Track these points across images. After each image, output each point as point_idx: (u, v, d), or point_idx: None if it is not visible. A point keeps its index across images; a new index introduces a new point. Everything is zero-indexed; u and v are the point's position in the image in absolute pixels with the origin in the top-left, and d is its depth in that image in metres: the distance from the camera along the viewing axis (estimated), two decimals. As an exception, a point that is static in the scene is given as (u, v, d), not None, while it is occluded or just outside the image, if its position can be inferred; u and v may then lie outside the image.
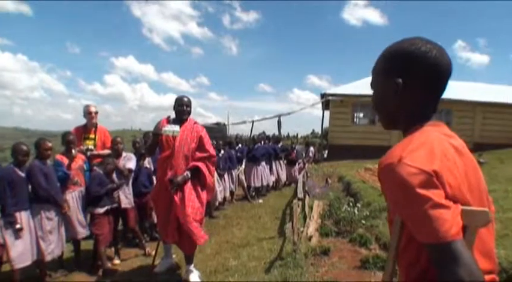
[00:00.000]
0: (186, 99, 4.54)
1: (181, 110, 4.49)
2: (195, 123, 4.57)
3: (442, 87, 1.23)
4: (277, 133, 16.62)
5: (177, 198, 4.31)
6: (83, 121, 6.09)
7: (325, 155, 19.56)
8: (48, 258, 4.53)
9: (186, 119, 4.52)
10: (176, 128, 4.42)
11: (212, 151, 4.61)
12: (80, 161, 5.15)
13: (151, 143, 4.66)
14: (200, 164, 4.44)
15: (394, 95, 1.22)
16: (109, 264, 5.13)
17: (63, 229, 4.79)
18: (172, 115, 4.60)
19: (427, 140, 1.12)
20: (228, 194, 9.69)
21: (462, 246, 0.96)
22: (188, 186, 4.37)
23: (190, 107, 4.57)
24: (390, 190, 1.09)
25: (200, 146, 4.47)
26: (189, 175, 4.38)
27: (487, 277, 1.05)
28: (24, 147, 4.40)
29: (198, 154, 4.46)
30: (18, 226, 4.17)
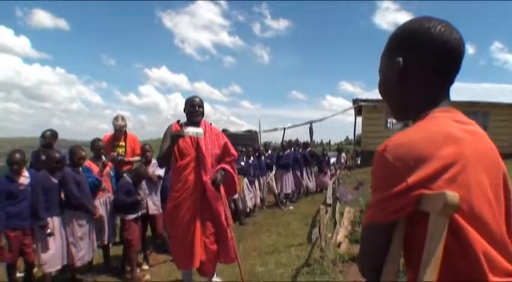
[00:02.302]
0: (197, 99, 4.12)
1: (194, 111, 4.05)
2: (211, 124, 4.26)
3: (452, 68, 1.09)
4: (309, 140, 16.53)
5: (220, 205, 3.99)
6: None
7: (359, 162, 19.25)
8: (78, 263, 4.63)
9: (200, 121, 4.11)
10: (199, 129, 3.92)
11: (236, 153, 4.38)
12: (107, 167, 5.26)
13: (169, 149, 3.89)
14: (229, 167, 4.18)
15: (398, 77, 1.11)
16: (138, 270, 5.19)
17: (94, 236, 4.89)
18: (183, 119, 4.18)
19: (426, 124, 1.02)
20: (258, 201, 9.68)
21: (371, 232, 0.99)
22: (222, 191, 4.05)
23: (203, 108, 4.15)
24: (372, 175, 1.03)
25: (225, 151, 4.20)
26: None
27: (504, 279, 0.92)
28: (57, 155, 4.54)
29: (225, 157, 4.19)
30: (48, 231, 4.28)
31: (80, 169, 4.77)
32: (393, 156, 0.93)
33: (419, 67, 1.08)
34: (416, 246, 0.94)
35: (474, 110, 16.37)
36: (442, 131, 0.97)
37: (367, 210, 0.99)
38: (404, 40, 1.12)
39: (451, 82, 1.12)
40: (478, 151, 0.99)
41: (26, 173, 4.34)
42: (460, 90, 17.95)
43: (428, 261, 0.86)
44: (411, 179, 0.90)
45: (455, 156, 0.93)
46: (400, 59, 1.10)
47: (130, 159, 6.03)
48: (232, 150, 4.28)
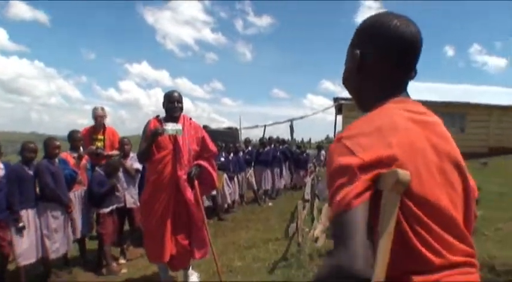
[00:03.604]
0: (176, 94, 4.06)
1: (173, 107, 4.00)
2: (190, 119, 4.21)
3: (408, 60, 1.14)
4: (290, 138, 16.59)
5: (190, 196, 3.95)
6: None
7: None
8: (52, 256, 4.56)
9: (179, 116, 4.06)
10: (178, 126, 3.87)
11: (214, 149, 4.35)
12: (83, 160, 5.20)
13: (148, 146, 3.87)
14: (207, 164, 4.18)
15: (356, 69, 1.16)
16: (114, 264, 5.15)
17: (69, 228, 4.83)
18: (163, 114, 4.12)
19: (373, 114, 1.05)
20: (237, 197, 9.69)
21: (354, 219, 0.87)
22: (196, 186, 4.05)
23: (182, 103, 4.08)
24: (327, 167, 1.04)
25: (204, 146, 4.20)
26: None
27: (463, 258, 0.98)
28: (32, 145, 4.47)
29: (204, 153, 4.20)
30: (21, 224, 4.21)
31: (56, 161, 4.70)
32: (350, 143, 0.96)
33: (376, 59, 1.13)
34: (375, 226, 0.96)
35: (451, 110, 16.70)
36: (388, 121, 1.00)
37: (335, 199, 0.92)
38: (363, 34, 1.18)
39: (408, 74, 1.16)
40: (428, 140, 1.03)
41: (1, 165, 4.26)
42: (440, 91, 18.30)
43: (381, 235, 0.89)
44: (367, 157, 0.93)
45: (401, 145, 0.96)
46: (358, 52, 1.15)
47: (109, 152, 5.98)
48: (211, 146, 4.26)
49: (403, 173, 0.88)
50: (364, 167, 0.92)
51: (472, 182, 1.13)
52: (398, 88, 1.15)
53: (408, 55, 1.13)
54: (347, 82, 1.25)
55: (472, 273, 1.00)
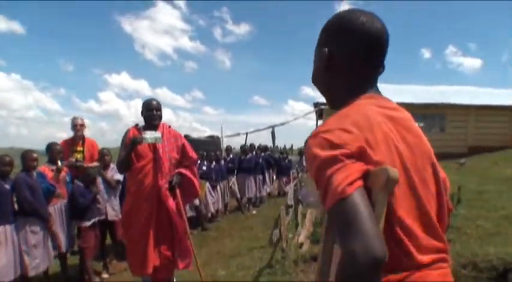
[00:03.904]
0: (155, 102, 4.01)
1: (152, 115, 3.95)
2: (170, 127, 4.17)
3: (375, 56, 1.15)
4: (271, 145, 16.63)
5: (172, 206, 3.86)
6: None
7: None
8: (32, 273, 4.43)
9: (158, 125, 4.02)
10: (157, 134, 3.83)
11: (195, 156, 4.30)
12: (62, 172, 5.10)
13: (127, 155, 3.81)
14: (188, 172, 4.11)
15: (324, 67, 1.17)
16: (97, 279, 5.06)
17: (49, 243, 4.71)
18: (141, 123, 4.07)
19: (347, 110, 1.05)
20: (221, 206, 9.63)
21: (356, 203, 0.84)
22: (178, 195, 3.98)
23: (161, 111, 4.03)
24: (307, 164, 1.03)
25: (184, 154, 4.14)
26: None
27: (435, 256, 0.98)
28: (7, 158, 4.36)
29: (184, 161, 4.14)
30: None
31: (34, 174, 4.60)
32: (330, 136, 0.96)
33: (344, 56, 1.14)
34: None
35: (431, 111, 17.01)
36: (362, 116, 1.00)
37: (330, 189, 0.89)
38: (329, 31, 1.18)
39: (377, 70, 1.18)
40: (401, 136, 1.04)
41: (-25, 180, 4.15)
42: (417, 92, 18.61)
43: None
44: (350, 149, 0.93)
45: (377, 141, 0.97)
46: (326, 50, 1.16)
47: (89, 164, 5.88)
48: (191, 153, 4.21)
49: (393, 171, 0.87)
50: (349, 157, 0.92)
51: (443, 175, 1.14)
52: (367, 84, 1.16)
53: (375, 51, 1.14)
54: (316, 81, 1.26)
55: (444, 268, 1.01)
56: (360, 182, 0.89)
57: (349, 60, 1.14)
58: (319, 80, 1.25)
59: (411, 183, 1.00)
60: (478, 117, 17.89)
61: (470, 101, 17.98)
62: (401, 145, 1.02)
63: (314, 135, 1.00)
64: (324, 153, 0.93)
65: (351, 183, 0.87)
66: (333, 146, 0.94)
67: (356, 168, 0.91)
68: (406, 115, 1.12)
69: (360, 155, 0.94)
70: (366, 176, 0.91)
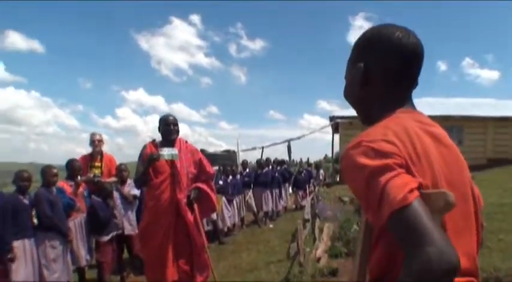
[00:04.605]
0: (171, 117, 4.06)
1: (169, 129, 3.99)
2: (186, 142, 4.23)
3: (412, 71, 1.14)
4: (288, 159, 16.58)
5: (190, 220, 3.91)
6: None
7: (338, 179, 19.37)
8: (51, 287, 4.48)
9: (175, 139, 4.06)
10: (174, 151, 3.88)
11: (212, 170, 4.35)
12: (80, 187, 5.17)
13: (145, 171, 3.86)
14: (205, 186, 4.17)
15: (360, 82, 1.16)
16: (115, 293, 5.08)
17: (69, 258, 4.76)
18: (158, 138, 4.11)
19: (388, 122, 1.04)
20: (237, 220, 9.61)
21: (420, 210, 0.82)
22: (196, 209, 4.03)
23: (178, 126, 4.08)
24: (349, 174, 0.99)
25: (201, 169, 4.19)
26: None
27: (463, 279, 0.94)
28: (25, 174, 4.45)
29: (201, 176, 4.19)
30: (9, 256, 4.10)
31: (54, 189, 4.67)
32: (376, 146, 0.94)
33: (380, 72, 1.13)
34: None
35: (449, 124, 16.79)
36: (403, 130, 0.99)
37: (388, 196, 0.86)
38: (365, 47, 1.17)
39: (413, 85, 1.17)
40: (439, 152, 1.02)
41: (-6, 195, 4.22)
42: (435, 105, 18.42)
43: None
44: (397, 161, 0.92)
45: (419, 157, 0.96)
46: (361, 65, 1.15)
47: (107, 180, 5.95)
48: (208, 168, 4.26)
49: (451, 195, 0.85)
50: (401, 167, 0.91)
51: (477, 192, 1.13)
52: (403, 99, 1.15)
53: (412, 66, 1.13)
54: (350, 96, 1.25)
55: None
56: (417, 192, 0.86)
57: (385, 76, 1.13)
58: (352, 95, 1.23)
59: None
60: (496, 129, 17.61)
61: (489, 113, 17.72)
62: (441, 161, 1.01)
63: (356, 144, 0.98)
64: (374, 162, 0.91)
65: (411, 191, 0.85)
66: (383, 154, 0.92)
67: (411, 177, 0.90)
68: (442, 131, 1.11)
69: (406, 168, 0.93)
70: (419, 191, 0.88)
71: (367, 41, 1.17)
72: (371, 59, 1.14)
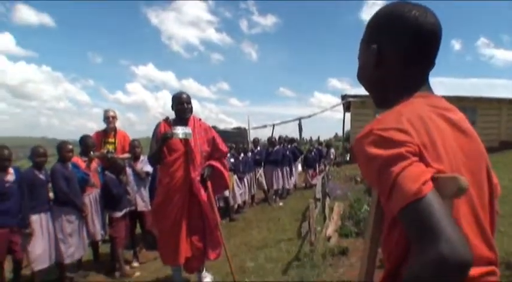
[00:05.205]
0: (185, 95, 4.04)
1: (183, 108, 3.99)
2: (200, 120, 4.24)
3: (429, 52, 1.08)
4: (298, 137, 16.57)
5: (204, 198, 3.96)
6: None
7: (348, 158, 19.35)
8: (67, 261, 4.60)
9: (189, 118, 4.07)
10: (188, 130, 3.85)
11: (225, 148, 4.38)
12: (94, 163, 5.22)
13: (159, 150, 3.87)
14: (218, 164, 4.19)
15: (374, 63, 1.10)
16: (127, 267, 5.18)
17: (84, 232, 4.86)
18: (171, 116, 4.13)
19: (402, 108, 0.99)
20: (247, 198, 9.68)
21: (434, 203, 0.80)
22: (209, 187, 4.06)
23: (191, 104, 4.07)
24: (361, 164, 0.97)
25: (214, 147, 4.21)
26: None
27: (485, 268, 0.93)
28: (41, 149, 4.51)
29: (215, 154, 4.22)
30: (27, 231, 4.20)
31: (69, 164, 4.73)
32: (388, 134, 0.91)
33: (395, 53, 1.08)
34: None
35: (462, 105, 16.52)
36: (417, 117, 0.95)
37: (402, 187, 0.84)
38: (379, 26, 1.12)
39: (429, 67, 1.11)
40: (456, 138, 0.99)
41: (11, 170, 4.27)
42: (448, 85, 18.15)
43: None
44: (410, 149, 0.89)
45: (435, 144, 0.93)
46: (375, 46, 1.10)
47: (120, 156, 6.00)
48: (221, 146, 4.28)
49: (464, 180, 0.83)
50: (415, 155, 0.88)
51: (495, 180, 1.09)
52: (419, 82, 1.09)
53: (429, 47, 1.07)
54: (363, 79, 1.20)
55: None
56: (431, 184, 0.84)
57: (401, 57, 1.07)
58: (366, 78, 1.18)
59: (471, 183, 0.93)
60: (510, 111, 17.33)
61: (503, 94, 17.42)
62: (457, 148, 0.98)
63: (367, 133, 0.95)
64: (386, 152, 0.88)
65: (425, 182, 0.83)
66: (395, 143, 0.89)
67: (425, 167, 0.87)
68: (460, 115, 1.06)
69: (420, 157, 0.89)
70: (433, 180, 0.86)
71: (381, 21, 1.11)
72: (385, 40, 1.09)
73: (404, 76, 1.09)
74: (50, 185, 4.59)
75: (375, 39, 1.11)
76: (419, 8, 1.06)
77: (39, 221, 4.34)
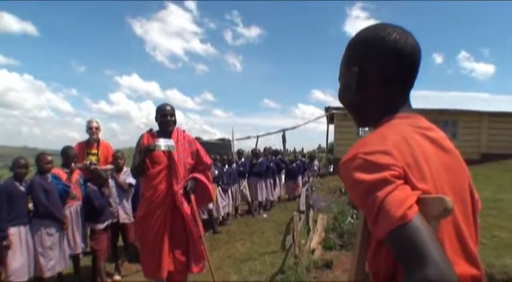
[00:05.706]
0: (169, 107, 4.01)
1: (166, 121, 3.96)
2: (184, 131, 4.20)
3: (409, 74, 1.09)
4: (282, 148, 16.61)
5: (187, 211, 3.90)
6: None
7: (331, 169, 19.45)
8: (47, 274, 4.47)
9: (172, 130, 4.03)
10: (171, 142, 3.87)
11: (209, 160, 4.33)
12: (76, 174, 5.14)
13: (142, 162, 3.83)
14: (202, 176, 4.15)
15: (355, 86, 1.11)
16: (109, 280, 5.09)
17: (65, 245, 4.75)
18: (155, 127, 4.08)
19: (385, 131, 1.00)
20: (231, 209, 9.64)
21: (421, 228, 0.81)
22: (193, 200, 4.00)
23: (175, 116, 4.03)
24: (348, 187, 0.98)
25: (198, 159, 4.16)
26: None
27: None
28: (22, 160, 4.42)
29: (198, 166, 4.16)
30: (5, 243, 4.08)
31: (49, 176, 4.64)
32: (373, 158, 0.92)
33: (376, 76, 1.09)
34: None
35: (443, 118, 16.82)
36: (400, 138, 0.96)
37: (387, 212, 0.85)
38: (359, 49, 1.12)
39: (410, 88, 1.13)
40: (438, 157, 1.01)
41: (-10, 181, 4.18)
42: (429, 98, 18.44)
43: None
44: (395, 173, 0.89)
45: (419, 165, 0.94)
46: (356, 69, 1.11)
47: (103, 167, 5.92)
48: (205, 158, 4.24)
49: (449, 201, 0.84)
50: (399, 178, 0.89)
51: (476, 195, 1.11)
52: (400, 102, 1.11)
53: (409, 69, 1.09)
54: (344, 100, 1.20)
55: None
56: (416, 208, 0.85)
57: (381, 80, 1.09)
58: (347, 100, 1.19)
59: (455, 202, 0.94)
60: (491, 124, 17.64)
61: (483, 107, 17.76)
62: (440, 166, 0.99)
63: (352, 157, 0.95)
64: (370, 176, 0.89)
65: (410, 207, 0.84)
66: (380, 167, 0.90)
67: (410, 191, 0.88)
68: (441, 134, 1.08)
69: (405, 179, 0.90)
70: (418, 201, 0.88)
71: (361, 44, 1.12)
72: (366, 63, 1.10)
73: (385, 97, 1.10)
74: (30, 197, 4.50)
75: (355, 61, 1.12)
76: (399, 31, 1.08)
77: (17, 234, 4.23)
